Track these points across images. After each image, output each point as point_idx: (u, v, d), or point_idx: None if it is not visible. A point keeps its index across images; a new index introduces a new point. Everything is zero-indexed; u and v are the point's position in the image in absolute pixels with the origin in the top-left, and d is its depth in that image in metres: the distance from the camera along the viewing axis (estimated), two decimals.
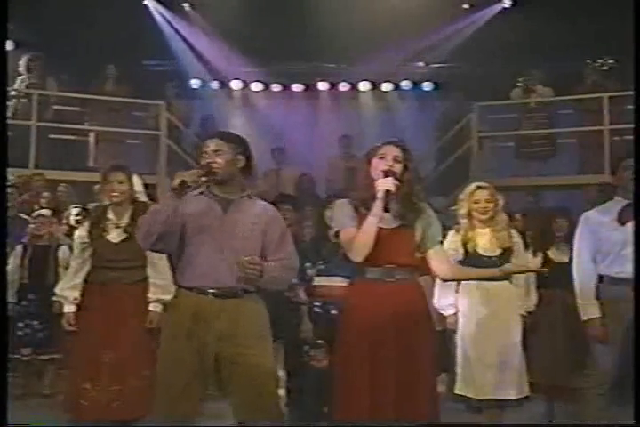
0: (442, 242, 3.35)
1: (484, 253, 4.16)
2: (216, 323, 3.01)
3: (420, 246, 3.22)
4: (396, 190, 3.12)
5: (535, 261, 4.70)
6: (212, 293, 3.03)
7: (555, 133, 9.08)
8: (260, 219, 3.15)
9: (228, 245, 3.06)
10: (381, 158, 3.19)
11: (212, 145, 3.13)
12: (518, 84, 9.14)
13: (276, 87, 10.59)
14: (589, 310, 3.80)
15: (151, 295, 4.16)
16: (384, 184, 3.10)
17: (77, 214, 5.80)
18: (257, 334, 3.07)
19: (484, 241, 4.19)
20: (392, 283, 3.13)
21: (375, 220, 3.08)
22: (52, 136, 8.83)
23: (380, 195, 3.08)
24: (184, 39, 10.01)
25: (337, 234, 3.24)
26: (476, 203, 4.22)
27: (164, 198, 3.07)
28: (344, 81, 10.49)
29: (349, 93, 10.60)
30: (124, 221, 4.19)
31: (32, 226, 5.45)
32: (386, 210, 3.06)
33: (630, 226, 3.73)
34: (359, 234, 3.08)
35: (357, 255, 3.11)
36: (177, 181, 2.98)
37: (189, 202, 3.09)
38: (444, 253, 3.36)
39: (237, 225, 3.10)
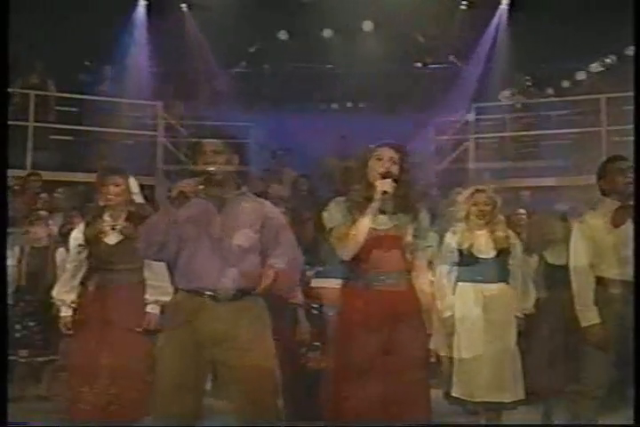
0: (430, 246, 3.34)
1: (480, 255, 4.18)
2: (212, 326, 2.99)
3: (410, 247, 3.21)
4: (392, 192, 3.12)
5: (531, 262, 4.70)
6: (209, 295, 3.00)
7: (550, 134, 9.10)
8: (256, 216, 3.12)
9: (224, 245, 3.03)
10: (378, 160, 3.19)
11: (210, 146, 3.11)
12: (521, 86, 9.14)
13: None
14: (589, 316, 3.73)
15: (148, 297, 4.16)
16: (383, 186, 3.09)
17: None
18: (255, 337, 3.04)
19: (480, 242, 4.20)
20: (381, 288, 3.12)
21: (369, 220, 3.07)
22: (50, 137, 8.82)
23: (377, 196, 3.08)
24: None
25: (330, 231, 3.23)
26: (474, 205, 4.24)
27: (163, 209, 3.03)
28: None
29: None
30: (121, 222, 4.18)
31: (29, 227, 5.43)
32: (381, 211, 3.05)
33: (624, 228, 3.72)
34: (351, 232, 3.08)
35: (346, 253, 3.11)
36: (175, 192, 2.96)
37: (186, 207, 3.03)
38: (424, 265, 3.33)
39: (232, 224, 3.07)
